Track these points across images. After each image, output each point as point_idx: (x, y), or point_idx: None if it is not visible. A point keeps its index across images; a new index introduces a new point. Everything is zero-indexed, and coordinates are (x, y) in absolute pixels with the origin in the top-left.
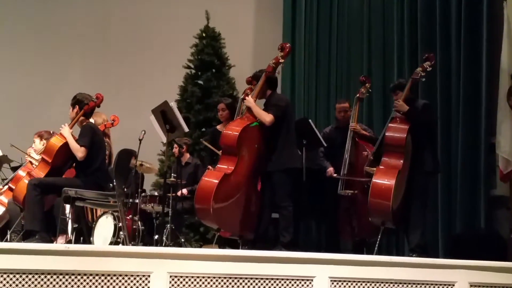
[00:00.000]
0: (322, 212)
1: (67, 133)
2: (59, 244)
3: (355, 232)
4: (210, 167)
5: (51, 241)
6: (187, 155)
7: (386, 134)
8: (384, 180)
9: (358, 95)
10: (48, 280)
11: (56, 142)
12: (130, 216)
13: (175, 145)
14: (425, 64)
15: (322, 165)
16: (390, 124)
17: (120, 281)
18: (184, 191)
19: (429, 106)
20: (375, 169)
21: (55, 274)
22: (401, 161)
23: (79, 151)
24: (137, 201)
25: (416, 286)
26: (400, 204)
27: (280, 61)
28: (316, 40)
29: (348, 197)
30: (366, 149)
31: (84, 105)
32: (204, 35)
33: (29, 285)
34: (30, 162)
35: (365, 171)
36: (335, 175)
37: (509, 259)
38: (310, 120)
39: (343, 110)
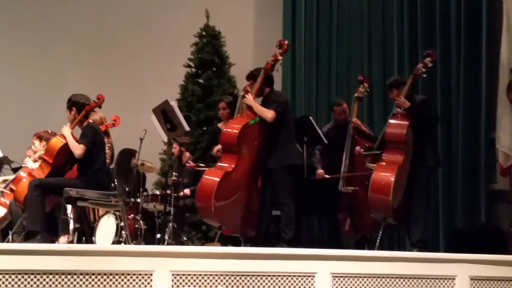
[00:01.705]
0: (324, 209)
1: (67, 133)
2: (61, 244)
3: (357, 229)
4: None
5: (53, 241)
6: (187, 154)
7: (387, 130)
8: (384, 175)
9: (356, 94)
10: (51, 280)
11: (57, 142)
12: (132, 215)
13: (175, 144)
14: (426, 60)
15: (313, 166)
16: (390, 121)
17: (122, 280)
18: (187, 191)
19: (429, 102)
20: (375, 165)
21: (57, 274)
22: (402, 156)
23: (78, 148)
24: (138, 200)
25: (417, 281)
26: (401, 200)
27: (278, 58)
28: (316, 38)
29: (349, 194)
30: (365, 145)
31: (83, 106)
32: (204, 33)
33: (31, 286)
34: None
35: (366, 167)
36: (326, 176)
37: (509, 253)
38: (310, 117)
39: (343, 112)
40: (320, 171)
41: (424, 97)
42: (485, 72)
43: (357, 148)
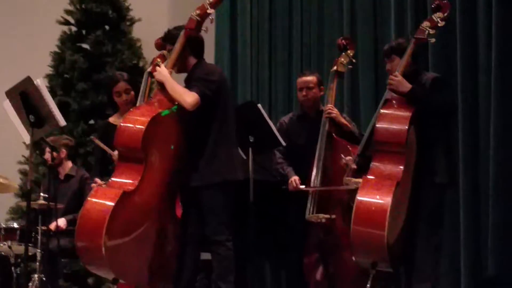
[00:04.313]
0: (282, 248)
1: None
2: None
3: (332, 279)
4: (98, 181)
5: None
6: (68, 164)
7: (377, 125)
8: (375, 197)
9: (335, 67)
10: None
11: None
12: None
13: (47, 148)
14: (435, 16)
15: (280, 174)
16: (382, 111)
17: None
18: (62, 221)
19: (443, 82)
20: (360, 180)
21: None
22: (401, 167)
23: None
24: None
25: None
26: (399, 235)
27: (207, 11)
28: None
29: (321, 226)
30: (347, 149)
31: None
32: None
33: None
34: None
35: (344, 183)
36: (302, 187)
37: None
38: (259, 105)
39: (306, 87)
40: (294, 177)
41: (436, 74)
42: None
43: (348, 158)
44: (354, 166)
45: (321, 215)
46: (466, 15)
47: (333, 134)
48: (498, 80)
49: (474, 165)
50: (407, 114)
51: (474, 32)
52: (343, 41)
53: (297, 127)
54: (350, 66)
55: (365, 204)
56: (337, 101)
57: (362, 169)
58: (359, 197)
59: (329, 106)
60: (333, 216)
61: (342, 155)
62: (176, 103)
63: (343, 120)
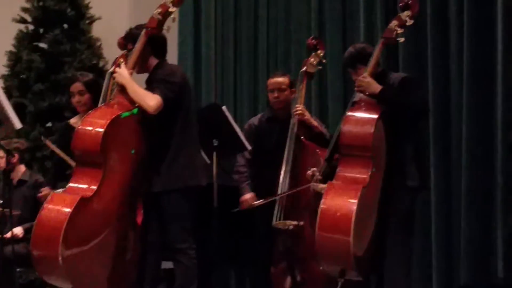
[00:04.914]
0: (247, 257)
1: None
2: None
3: None
4: (46, 189)
5: None
6: (21, 168)
7: (343, 128)
8: (339, 202)
9: (304, 68)
10: None
11: None
12: None
13: (0, 152)
14: (403, 15)
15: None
16: (349, 113)
17: None
18: (19, 230)
19: (412, 81)
20: (325, 186)
21: None
22: (368, 171)
23: None
24: None
25: None
26: (369, 241)
27: (169, 10)
28: None
29: (289, 233)
30: (316, 153)
31: None
32: None
33: None
34: None
35: (312, 189)
36: (255, 203)
37: None
38: (224, 108)
39: (278, 89)
40: (248, 196)
41: (404, 74)
42: (501, 44)
43: (313, 169)
44: (319, 177)
45: (288, 222)
46: (437, 13)
47: (302, 137)
48: (472, 82)
49: (446, 169)
50: (373, 116)
51: (445, 40)
52: (313, 40)
53: (267, 129)
54: (320, 67)
55: (330, 209)
56: (304, 103)
57: (330, 175)
58: (323, 203)
59: (300, 107)
60: (301, 223)
61: (312, 159)
62: (137, 105)
63: (313, 122)
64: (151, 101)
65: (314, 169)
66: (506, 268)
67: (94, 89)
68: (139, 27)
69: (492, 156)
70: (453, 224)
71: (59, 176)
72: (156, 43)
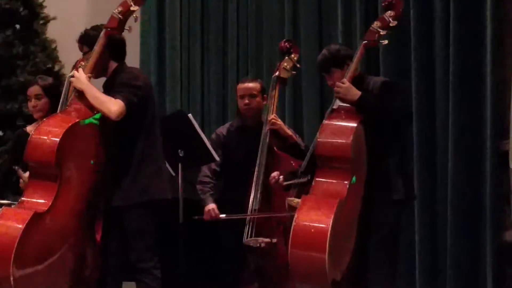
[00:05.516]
0: (215, 276)
1: None
2: None
3: None
4: None
5: None
6: None
7: (318, 138)
8: (313, 217)
9: (277, 73)
10: None
11: None
12: None
13: None
14: (386, 16)
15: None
16: (326, 122)
17: None
18: None
19: (394, 86)
20: (299, 200)
21: None
22: (346, 184)
23: None
24: None
25: None
26: (349, 259)
27: (131, 9)
28: None
29: (261, 251)
30: (290, 165)
31: None
32: None
33: None
34: None
35: (287, 205)
36: (222, 216)
37: None
38: (190, 116)
39: (248, 95)
40: (211, 206)
41: (385, 78)
42: (490, 49)
43: (274, 174)
44: (284, 183)
45: (260, 239)
46: (421, 13)
47: (275, 148)
48: (457, 86)
49: (432, 180)
50: (352, 125)
51: (430, 44)
52: (286, 43)
53: (236, 139)
54: (294, 72)
55: (303, 225)
56: (277, 111)
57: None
58: (296, 218)
59: (272, 116)
60: (274, 240)
61: (285, 170)
62: (96, 111)
63: (287, 131)
64: (114, 106)
65: (277, 172)
66: (495, 284)
67: (52, 94)
68: (95, 28)
69: (482, 171)
70: (437, 237)
71: (10, 189)
72: (115, 45)
